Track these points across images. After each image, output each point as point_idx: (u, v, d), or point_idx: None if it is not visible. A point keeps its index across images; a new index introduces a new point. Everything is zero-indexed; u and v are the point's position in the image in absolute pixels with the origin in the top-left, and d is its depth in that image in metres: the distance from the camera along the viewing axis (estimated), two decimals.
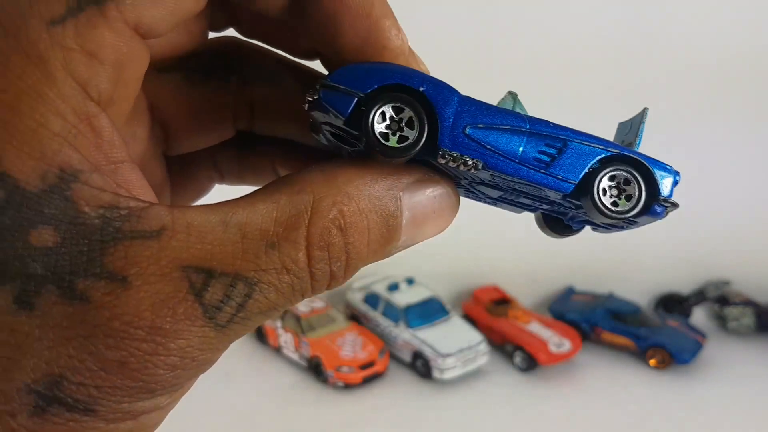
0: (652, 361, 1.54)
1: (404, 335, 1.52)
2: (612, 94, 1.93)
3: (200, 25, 0.31)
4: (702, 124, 1.94)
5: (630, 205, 0.28)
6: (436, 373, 1.45)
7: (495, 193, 0.32)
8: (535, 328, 1.58)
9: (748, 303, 1.73)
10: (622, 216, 0.28)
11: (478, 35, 1.85)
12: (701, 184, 1.95)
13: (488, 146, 0.28)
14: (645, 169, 0.28)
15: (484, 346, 1.51)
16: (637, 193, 0.28)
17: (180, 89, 0.33)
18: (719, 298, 1.77)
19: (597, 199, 0.28)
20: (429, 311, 1.57)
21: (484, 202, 0.34)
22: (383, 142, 0.27)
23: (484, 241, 1.65)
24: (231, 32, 0.33)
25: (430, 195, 0.29)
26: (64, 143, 0.23)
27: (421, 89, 0.28)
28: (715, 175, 1.95)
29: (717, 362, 1.57)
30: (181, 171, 0.37)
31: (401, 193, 0.29)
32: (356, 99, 0.27)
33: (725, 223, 1.91)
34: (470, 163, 0.28)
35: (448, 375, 1.44)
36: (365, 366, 1.45)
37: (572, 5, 1.88)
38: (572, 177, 0.28)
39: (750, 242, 1.90)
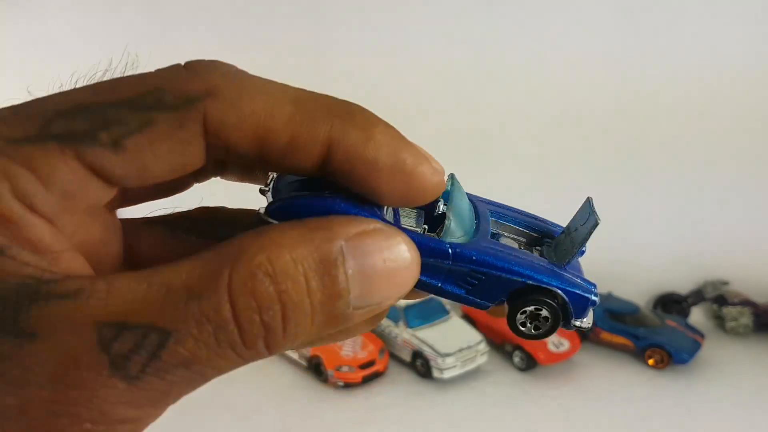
0: (650, 361, 1.54)
1: (404, 335, 1.52)
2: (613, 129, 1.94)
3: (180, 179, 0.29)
4: (701, 125, 1.94)
5: (543, 329, 0.31)
6: (435, 373, 1.45)
7: None
8: None
9: (746, 303, 1.73)
10: (534, 336, 0.31)
11: (472, 84, 1.86)
12: (700, 184, 1.95)
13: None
14: (560, 298, 0.30)
15: (483, 346, 1.51)
16: (551, 318, 0.31)
17: (162, 237, 0.32)
18: (717, 297, 1.78)
19: (513, 321, 0.31)
20: (428, 311, 1.57)
21: None
22: None
23: None
24: None
25: (379, 244, 0.27)
26: None
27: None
28: (714, 174, 1.96)
29: (715, 362, 1.57)
30: None
31: (343, 242, 0.26)
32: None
33: (724, 223, 1.92)
34: None
35: (448, 374, 1.45)
36: (365, 365, 1.45)
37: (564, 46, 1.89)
38: (489, 302, 0.31)
39: (748, 242, 1.91)
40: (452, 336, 1.51)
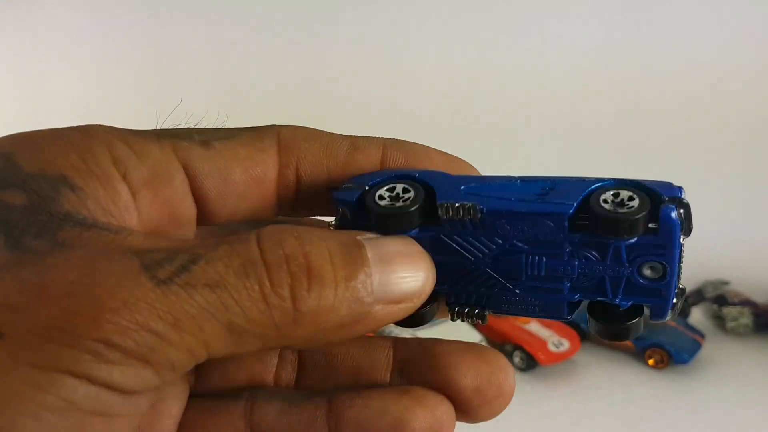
0: (650, 361, 1.54)
1: (404, 335, 1.52)
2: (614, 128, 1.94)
3: None
4: (701, 126, 1.94)
5: (632, 206, 0.28)
6: None
7: (514, 293, 0.32)
8: (535, 327, 1.58)
9: (747, 303, 1.73)
10: (629, 217, 0.27)
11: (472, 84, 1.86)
12: (700, 184, 1.96)
13: (484, 193, 0.29)
14: (644, 187, 0.28)
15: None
16: (636, 197, 0.28)
17: None
18: (717, 297, 1.77)
19: (599, 206, 0.28)
20: None
21: (515, 311, 0.34)
22: (388, 206, 0.30)
23: None
24: None
25: (393, 239, 0.29)
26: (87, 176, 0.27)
27: (416, 175, 0.31)
28: (713, 174, 1.96)
29: (715, 362, 1.57)
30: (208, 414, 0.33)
31: (360, 237, 0.28)
32: (361, 191, 0.31)
33: (724, 223, 1.92)
34: (469, 207, 0.28)
35: None
36: None
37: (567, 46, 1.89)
38: (570, 200, 0.29)
39: (748, 242, 1.91)
40: (452, 336, 1.50)
